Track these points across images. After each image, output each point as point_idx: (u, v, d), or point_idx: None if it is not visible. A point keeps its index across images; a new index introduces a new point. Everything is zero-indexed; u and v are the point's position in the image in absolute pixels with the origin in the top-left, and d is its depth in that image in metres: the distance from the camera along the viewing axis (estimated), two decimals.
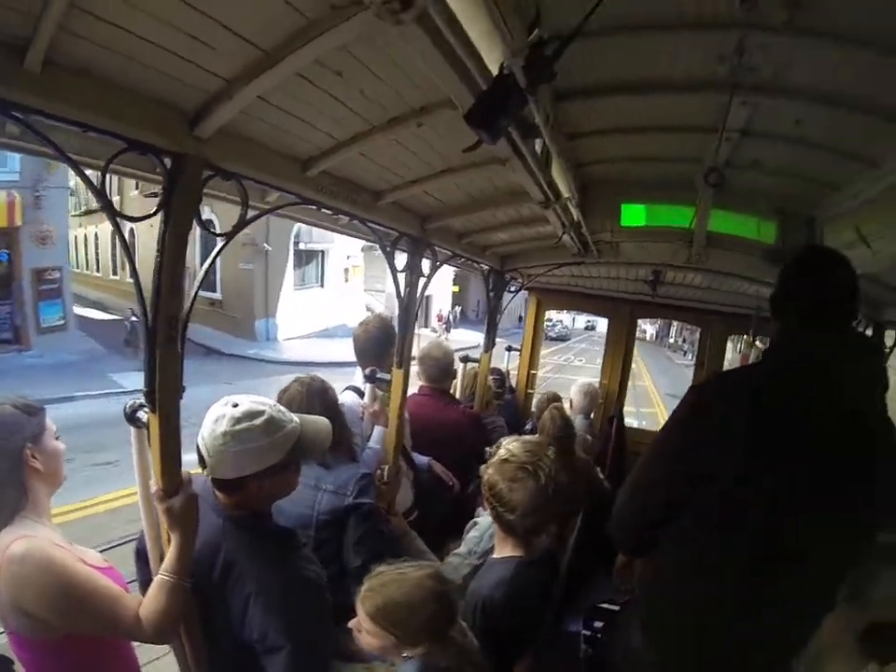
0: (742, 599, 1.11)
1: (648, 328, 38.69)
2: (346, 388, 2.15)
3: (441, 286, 21.67)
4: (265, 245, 14.84)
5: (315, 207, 1.55)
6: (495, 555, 1.56)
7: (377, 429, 2.01)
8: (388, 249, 1.94)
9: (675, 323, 24.55)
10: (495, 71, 0.83)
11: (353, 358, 2.22)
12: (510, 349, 4.34)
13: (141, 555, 1.27)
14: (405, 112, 1.20)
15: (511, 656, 1.43)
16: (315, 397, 1.66)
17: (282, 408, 1.27)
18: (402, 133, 1.28)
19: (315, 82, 1.02)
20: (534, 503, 1.41)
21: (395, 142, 1.36)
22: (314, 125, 1.21)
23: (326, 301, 17.76)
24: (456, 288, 23.53)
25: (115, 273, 20.57)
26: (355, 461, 1.84)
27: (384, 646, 1.16)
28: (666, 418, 1.31)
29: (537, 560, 1.52)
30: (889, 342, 2.71)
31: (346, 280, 18.88)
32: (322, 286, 18.06)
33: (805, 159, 1.94)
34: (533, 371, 4.30)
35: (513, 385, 4.15)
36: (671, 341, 35.25)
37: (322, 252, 17.57)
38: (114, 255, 20.61)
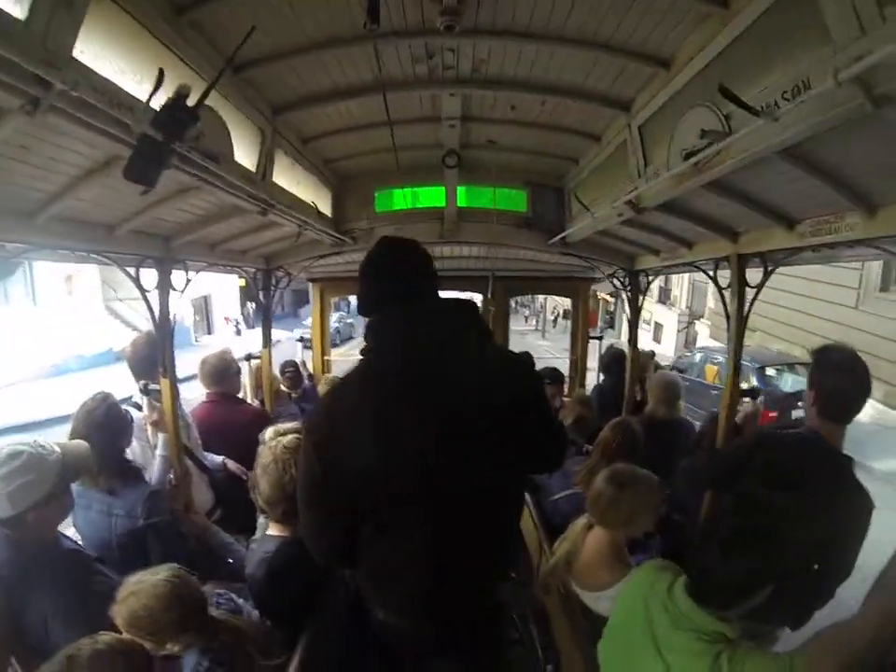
0: (429, 553, 1.18)
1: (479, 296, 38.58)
2: (126, 406, 2.12)
3: (223, 284, 18.70)
4: None
5: (50, 250, 1.57)
6: (267, 532, 1.68)
7: (161, 437, 2.07)
8: (134, 272, 1.97)
9: None
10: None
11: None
12: (301, 339, 4.48)
13: None
14: (94, 166, 1.32)
15: (293, 633, 1.50)
16: (97, 429, 1.73)
17: (42, 441, 1.39)
18: (104, 180, 1.37)
19: (9, 156, 1.13)
20: (269, 490, 1.57)
21: (102, 186, 1.43)
22: (27, 186, 1.30)
23: (43, 325, 12.94)
24: (242, 282, 19.54)
25: None
26: (142, 480, 1.90)
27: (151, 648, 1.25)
28: None
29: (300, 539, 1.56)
30: (643, 285, 3.26)
31: (70, 292, 14.22)
32: (35, 303, 13.40)
33: (540, 137, 2.28)
34: (327, 357, 4.50)
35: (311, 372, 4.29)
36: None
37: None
38: None
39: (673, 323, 14.67)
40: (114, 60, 0.99)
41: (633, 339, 3.41)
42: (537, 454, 1.29)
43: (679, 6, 1.27)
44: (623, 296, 3.45)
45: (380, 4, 1.16)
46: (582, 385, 4.28)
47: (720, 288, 2.23)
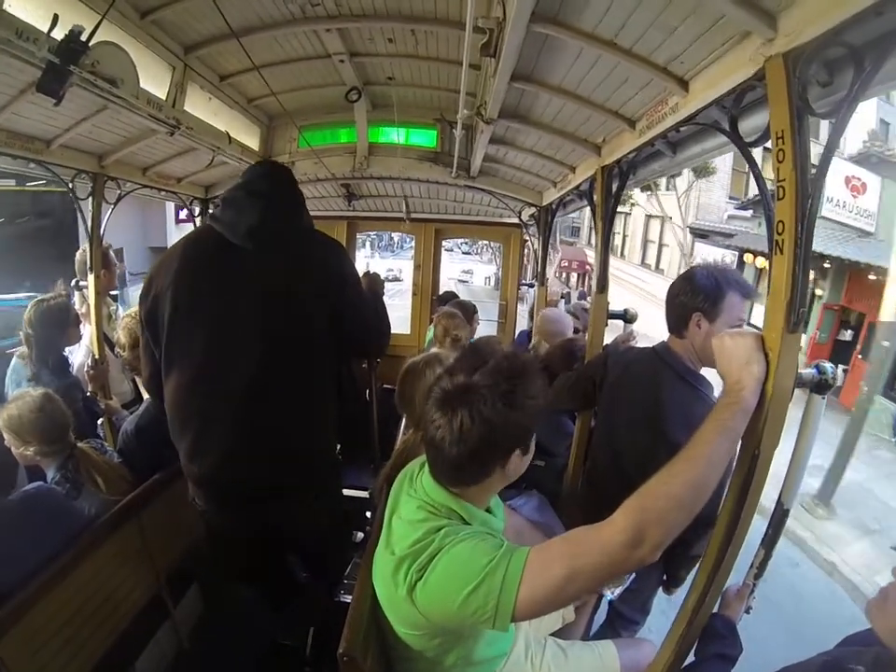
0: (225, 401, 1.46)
1: (477, 267, 32.34)
2: None
3: None
4: None
5: None
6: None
7: (86, 328, 2.57)
8: (70, 184, 2.43)
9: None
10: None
11: None
12: None
13: None
14: (23, 86, 1.67)
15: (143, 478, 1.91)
16: (37, 322, 2.23)
17: None
18: (31, 97, 1.70)
19: None
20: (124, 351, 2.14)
21: (32, 104, 1.77)
22: None
23: None
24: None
25: None
26: (66, 373, 2.37)
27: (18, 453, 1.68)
28: None
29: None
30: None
31: None
32: None
33: (434, 72, 2.38)
34: None
35: None
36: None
37: None
38: None
39: None
40: (34, 10, 1.38)
41: (541, 276, 3.65)
42: (348, 327, 1.53)
43: None
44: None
45: None
46: (513, 330, 4.45)
47: (592, 206, 2.34)
